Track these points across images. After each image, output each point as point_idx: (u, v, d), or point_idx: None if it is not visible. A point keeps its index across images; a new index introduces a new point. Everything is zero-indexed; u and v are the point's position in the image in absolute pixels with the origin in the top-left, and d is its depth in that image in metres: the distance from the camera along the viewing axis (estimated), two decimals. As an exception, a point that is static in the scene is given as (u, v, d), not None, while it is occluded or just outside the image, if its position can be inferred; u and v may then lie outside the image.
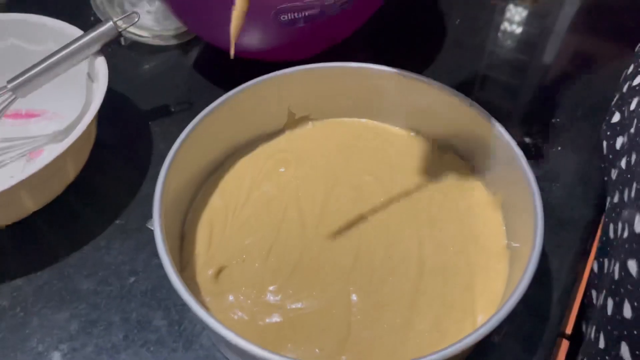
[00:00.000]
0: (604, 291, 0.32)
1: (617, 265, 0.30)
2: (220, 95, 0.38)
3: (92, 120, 0.37)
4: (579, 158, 0.44)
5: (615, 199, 0.35)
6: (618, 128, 0.39)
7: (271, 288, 0.34)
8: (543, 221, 0.31)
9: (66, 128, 0.45)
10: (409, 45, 0.54)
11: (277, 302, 0.33)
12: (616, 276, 0.30)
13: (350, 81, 0.41)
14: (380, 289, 0.34)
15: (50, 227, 0.40)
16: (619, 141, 0.38)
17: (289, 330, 0.32)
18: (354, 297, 0.34)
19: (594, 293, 0.37)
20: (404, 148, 0.42)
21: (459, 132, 0.40)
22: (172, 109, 0.48)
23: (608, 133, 0.40)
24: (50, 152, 0.35)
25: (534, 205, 0.32)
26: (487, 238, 0.36)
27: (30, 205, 0.38)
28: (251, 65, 0.48)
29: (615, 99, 0.42)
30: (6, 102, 0.41)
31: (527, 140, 0.45)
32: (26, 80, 0.40)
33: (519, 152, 0.34)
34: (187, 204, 0.38)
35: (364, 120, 0.44)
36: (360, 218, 0.38)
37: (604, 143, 0.40)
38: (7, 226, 0.39)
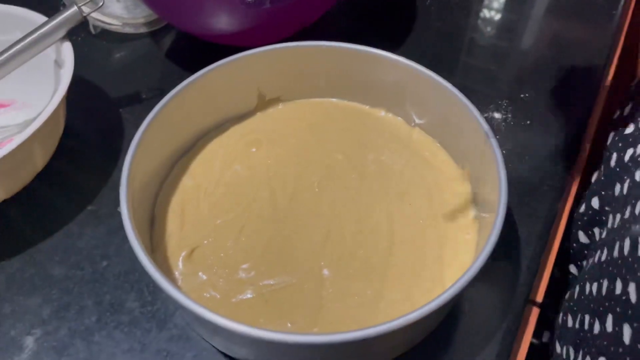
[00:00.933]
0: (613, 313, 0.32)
1: (634, 286, 0.30)
2: None
3: (59, 105, 0.37)
4: (548, 131, 0.45)
5: (627, 214, 0.34)
6: (630, 140, 0.39)
7: (243, 266, 0.34)
8: (507, 188, 0.32)
9: (36, 117, 0.45)
10: (379, 27, 0.55)
11: (250, 279, 0.34)
12: (633, 299, 0.30)
13: (320, 61, 0.41)
14: (351, 263, 0.34)
15: (21, 215, 0.40)
16: (629, 153, 0.38)
17: (261, 306, 0.33)
18: (325, 271, 0.34)
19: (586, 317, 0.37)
20: (373, 126, 0.42)
21: (428, 109, 0.40)
22: (144, 96, 0.48)
23: (620, 144, 0.39)
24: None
25: (498, 175, 0.32)
26: (455, 210, 0.37)
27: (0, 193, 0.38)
28: (223, 51, 0.48)
29: (628, 108, 0.42)
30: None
31: (496, 115, 0.46)
32: (-8, 69, 0.39)
33: (486, 126, 0.35)
34: (158, 187, 0.38)
35: (334, 99, 0.44)
36: (331, 195, 0.38)
37: (614, 155, 0.39)
38: (-23, 215, 0.39)
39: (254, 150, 0.41)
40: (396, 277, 0.34)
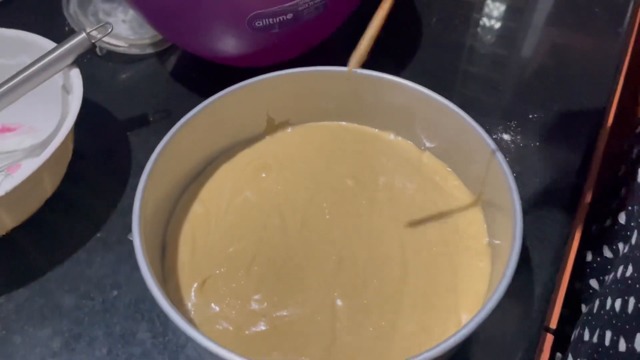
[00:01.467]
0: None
1: None
2: (199, 102, 0.38)
3: (68, 133, 0.37)
4: (558, 153, 0.45)
5: None
6: None
7: (256, 297, 0.34)
8: (522, 218, 0.31)
9: (43, 142, 0.44)
10: (386, 46, 0.54)
11: (262, 311, 0.33)
12: None
13: (329, 85, 0.41)
14: (364, 293, 0.34)
15: (29, 243, 0.39)
16: None
17: (275, 338, 0.32)
18: (338, 302, 0.34)
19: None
20: (384, 150, 0.42)
21: (437, 132, 0.40)
22: (151, 118, 0.48)
23: None
24: (28, 167, 0.35)
25: (512, 202, 0.32)
26: (468, 237, 0.37)
27: (8, 222, 0.38)
28: (229, 72, 0.48)
29: None
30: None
31: (505, 136, 0.46)
32: (0, 95, 0.39)
33: (497, 151, 0.35)
34: (168, 214, 0.38)
35: (344, 123, 0.44)
36: (342, 222, 0.38)
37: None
38: (-14, 244, 0.39)
39: (263, 175, 0.40)
40: (410, 307, 0.33)
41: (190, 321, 0.30)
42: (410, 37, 0.55)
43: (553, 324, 0.38)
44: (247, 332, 0.32)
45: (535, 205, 0.41)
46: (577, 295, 0.44)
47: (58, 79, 0.42)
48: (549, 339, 0.37)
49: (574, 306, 0.44)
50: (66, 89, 0.42)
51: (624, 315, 0.33)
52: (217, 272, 0.35)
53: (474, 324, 0.28)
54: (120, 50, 0.52)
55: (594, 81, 0.51)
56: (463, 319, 0.33)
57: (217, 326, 0.33)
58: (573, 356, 0.38)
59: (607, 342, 0.34)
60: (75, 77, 0.40)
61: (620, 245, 0.40)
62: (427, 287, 0.34)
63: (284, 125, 0.43)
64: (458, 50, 0.54)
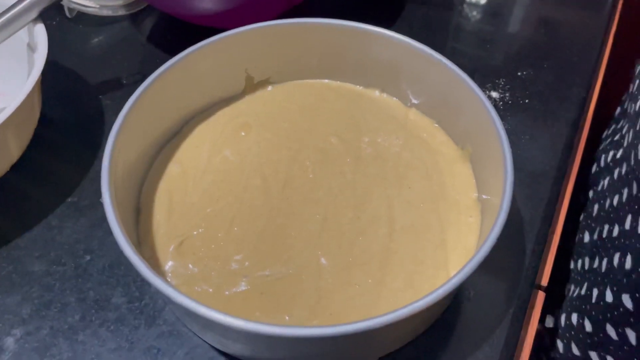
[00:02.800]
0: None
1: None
2: None
3: (32, 91, 0.35)
4: (547, 110, 0.43)
5: None
6: None
7: (236, 257, 0.32)
8: (513, 170, 0.30)
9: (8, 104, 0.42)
10: (370, 5, 0.53)
11: (243, 271, 0.32)
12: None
13: (311, 40, 0.39)
14: (350, 251, 0.33)
15: (-4, 209, 0.37)
16: None
17: (256, 298, 0.31)
18: (323, 260, 0.32)
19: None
20: (368, 107, 0.40)
21: (425, 87, 0.38)
22: (124, 81, 0.46)
23: None
24: (-9, 128, 0.32)
25: (503, 153, 0.31)
26: (457, 192, 0.35)
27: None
28: (208, 34, 0.46)
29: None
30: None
31: (494, 94, 0.44)
32: (-41, 53, 0.37)
33: (489, 105, 0.33)
34: (143, 175, 0.36)
35: (326, 80, 0.42)
36: (327, 181, 0.36)
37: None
38: (-51, 211, 0.36)
39: (243, 134, 0.38)
40: (398, 264, 0.32)
41: (168, 283, 0.28)
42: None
43: (544, 282, 0.37)
44: (227, 292, 0.31)
45: (523, 164, 0.40)
46: (568, 253, 0.43)
47: (23, 37, 0.40)
48: (540, 296, 0.36)
49: (565, 264, 0.43)
50: (31, 48, 0.39)
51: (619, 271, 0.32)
52: (195, 233, 0.33)
53: (461, 276, 0.26)
54: (91, 11, 0.49)
55: (584, 40, 0.49)
56: (452, 275, 0.32)
57: (196, 288, 0.31)
58: (567, 312, 0.37)
59: (604, 299, 0.33)
60: (40, 32, 0.38)
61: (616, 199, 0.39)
62: (414, 244, 0.33)
63: (264, 83, 0.41)
64: (448, 8, 0.53)
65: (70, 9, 0.49)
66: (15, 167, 0.38)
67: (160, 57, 0.48)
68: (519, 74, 0.46)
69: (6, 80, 0.42)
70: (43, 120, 0.40)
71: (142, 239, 0.33)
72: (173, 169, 0.36)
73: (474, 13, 0.53)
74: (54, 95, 0.43)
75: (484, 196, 0.34)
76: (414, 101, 0.40)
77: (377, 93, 0.41)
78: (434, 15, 0.52)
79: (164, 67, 0.35)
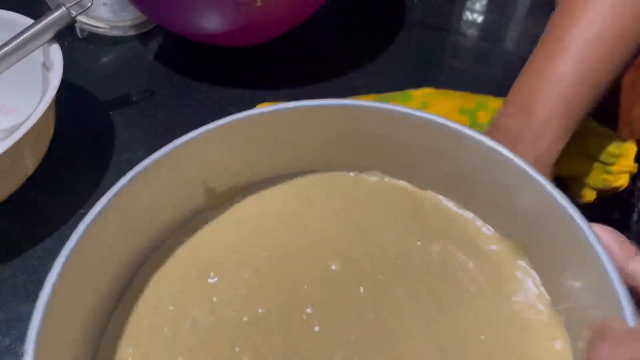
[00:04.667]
0: None
1: None
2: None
3: (48, 108, 0.37)
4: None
5: None
6: None
7: None
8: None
9: (24, 122, 0.44)
10: (370, 26, 0.55)
11: None
12: None
13: (288, 127, 0.28)
14: None
15: (11, 221, 0.39)
16: None
17: None
18: None
19: None
20: (374, 202, 0.30)
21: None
22: (134, 98, 0.48)
23: None
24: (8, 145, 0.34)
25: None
26: (521, 306, 0.25)
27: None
28: (212, 52, 0.48)
29: None
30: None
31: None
32: (-21, 72, 0.39)
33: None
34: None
35: (315, 175, 0.31)
36: (341, 330, 0.25)
37: None
38: (-34, 222, 0.38)
39: (213, 281, 0.27)
40: None
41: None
42: (393, 17, 0.55)
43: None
44: None
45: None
46: None
47: (38, 57, 0.42)
48: None
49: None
50: (46, 67, 0.41)
51: None
52: None
53: None
54: (101, 31, 0.51)
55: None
56: None
57: None
58: None
59: None
60: (55, 52, 0.40)
61: None
62: None
63: (230, 194, 0.30)
64: (442, 31, 0.55)
65: (81, 30, 0.51)
66: (30, 180, 0.40)
67: (167, 74, 0.50)
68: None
69: (19, 97, 0.44)
70: (56, 135, 0.42)
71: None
72: (125, 353, 0.25)
73: (468, 33, 0.55)
74: (67, 111, 0.45)
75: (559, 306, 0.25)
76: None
77: (374, 178, 0.31)
78: (430, 35, 0.54)
79: (91, 216, 0.25)
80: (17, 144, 0.35)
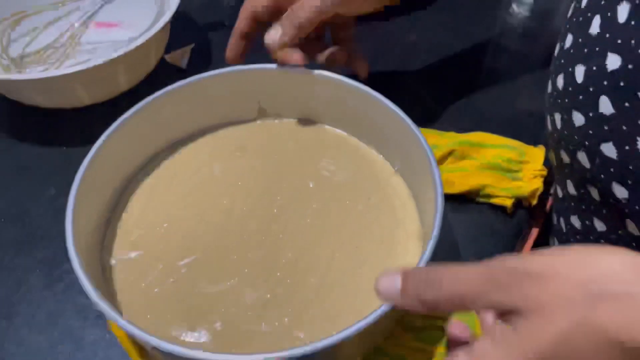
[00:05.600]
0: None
1: None
2: None
3: (157, 33, 0.45)
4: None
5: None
6: None
7: (180, 263, 0.36)
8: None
9: (140, 35, 0.51)
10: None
11: (177, 276, 0.35)
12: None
13: (317, 89, 0.41)
14: (276, 289, 0.35)
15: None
16: None
17: (177, 305, 0.34)
18: (249, 290, 0.35)
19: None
20: (358, 163, 0.42)
21: (406, 157, 0.39)
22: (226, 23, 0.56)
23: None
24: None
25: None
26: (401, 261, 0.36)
27: (84, 95, 0.47)
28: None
29: None
30: (97, 7, 0.53)
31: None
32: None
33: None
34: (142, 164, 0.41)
35: (327, 127, 0.44)
36: (285, 220, 0.38)
37: None
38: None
39: (238, 154, 0.42)
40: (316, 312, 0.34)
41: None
42: None
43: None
44: (156, 290, 0.35)
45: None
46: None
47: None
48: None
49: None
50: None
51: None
52: (152, 229, 0.38)
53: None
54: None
55: None
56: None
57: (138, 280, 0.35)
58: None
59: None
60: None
61: None
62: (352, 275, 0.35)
63: (274, 115, 0.44)
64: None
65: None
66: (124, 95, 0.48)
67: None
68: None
69: (137, 15, 0.54)
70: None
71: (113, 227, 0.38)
72: (167, 168, 0.42)
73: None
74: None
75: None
76: (398, 167, 0.41)
77: (373, 151, 0.42)
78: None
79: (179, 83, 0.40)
80: (113, 61, 0.43)
